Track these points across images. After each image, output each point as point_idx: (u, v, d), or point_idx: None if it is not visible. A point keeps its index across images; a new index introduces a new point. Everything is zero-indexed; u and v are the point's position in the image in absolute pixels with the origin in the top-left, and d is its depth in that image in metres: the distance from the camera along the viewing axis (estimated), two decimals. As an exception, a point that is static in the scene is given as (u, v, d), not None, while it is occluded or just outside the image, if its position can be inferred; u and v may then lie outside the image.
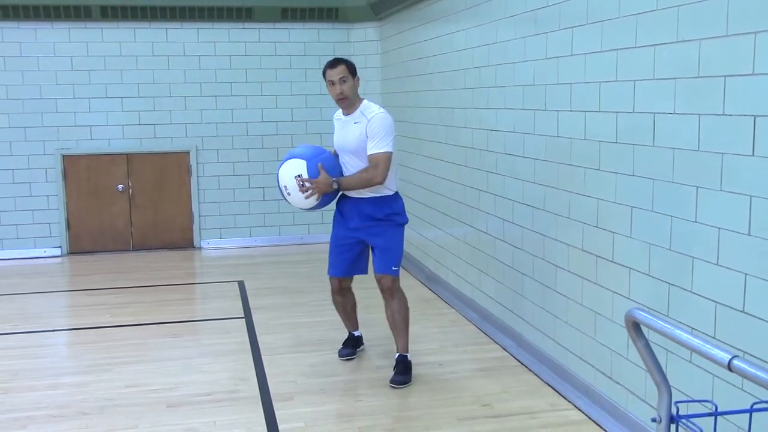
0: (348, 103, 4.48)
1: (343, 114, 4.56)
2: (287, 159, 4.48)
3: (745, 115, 2.82)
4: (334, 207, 4.68)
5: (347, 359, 4.85)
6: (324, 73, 4.54)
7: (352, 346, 4.93)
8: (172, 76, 8.27)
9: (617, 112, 3.69)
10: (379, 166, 4.34)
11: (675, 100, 3.23)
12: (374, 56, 8.42)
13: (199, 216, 8.52)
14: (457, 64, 5.90)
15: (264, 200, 8.61)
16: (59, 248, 8.24)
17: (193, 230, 8.53)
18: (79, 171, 8.21)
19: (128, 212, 8.38)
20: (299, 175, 4.37)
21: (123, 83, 8.16)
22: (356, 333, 4.98)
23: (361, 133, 4.38)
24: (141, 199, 8.39)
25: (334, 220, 4.74)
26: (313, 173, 4.37)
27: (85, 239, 8.31)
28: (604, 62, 3.77)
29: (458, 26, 5.83)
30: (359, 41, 8.47)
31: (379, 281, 4.52)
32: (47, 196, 8.16)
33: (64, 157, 8.14)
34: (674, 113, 3.24)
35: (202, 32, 8.28)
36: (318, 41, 8.54)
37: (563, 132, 4.25)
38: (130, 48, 8.14)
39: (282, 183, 4.47)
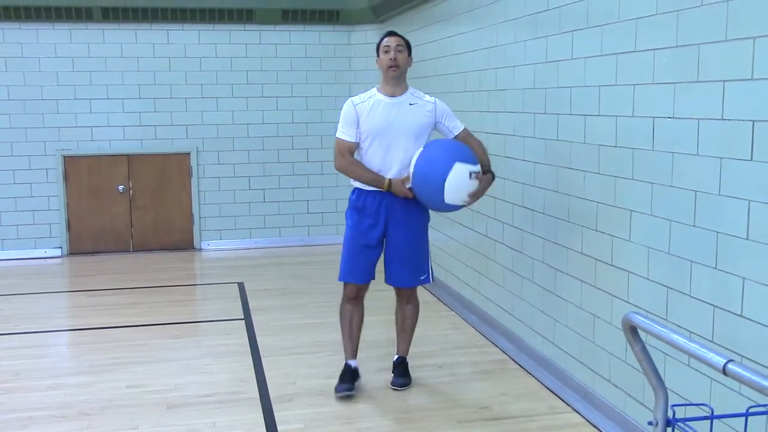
0: (398, 74, 4.18)
1: (387, 96, 4.19)
2: (454, 162, 3.95)
3: (743, 120, 2.84)
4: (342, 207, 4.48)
5: (346, 395, 4.27)
6: (379, 43, 4.28)
7: (350, 380, 4.35)
8: (173, 78, 8.28)
9: (617, 116, 3.70)
10: (473, 136, 4.32)
11: (674, 105, 3.25)
12: (375, 59, 8.42)
13: (200, 217, 8.53)
14: (458, 67, 5.92)
15: (264, 202, 8.63)
16: (59, 249, 8.25)
17: (193, 231, 8.54)
18: (80, 172, 8.22)
19: (129, 213, 8.39)
20: (476, 173, 4.02)
21: (124, 84, 8.17)
22: (353, 364, 4.42)
23: (427, 115, 4.19)
24: (141, 200, 8.40)
25: (353, 223, 4.29)
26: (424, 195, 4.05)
27: (85, 240, 8.33)
28: (604, 66, 3.79)
29: (459, 29, 5.85)
30: (360, 43, 8.49)
31: (400, 290, 4.40)
32: (48, 196, 8.17)
33: (65, 157, 8.15)
34: (673, 117, 3.26)
35: (203, 34, 8.30)
36: (319, 43, 8.55)
37: (563, 135, 4.26)
38: (131, 49, 8.15)
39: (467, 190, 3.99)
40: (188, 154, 8.42)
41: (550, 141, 4.41)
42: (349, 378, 4.35)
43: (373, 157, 4.18)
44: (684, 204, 3.20)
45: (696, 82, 3.10)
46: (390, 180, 4.15)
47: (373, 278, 4.36)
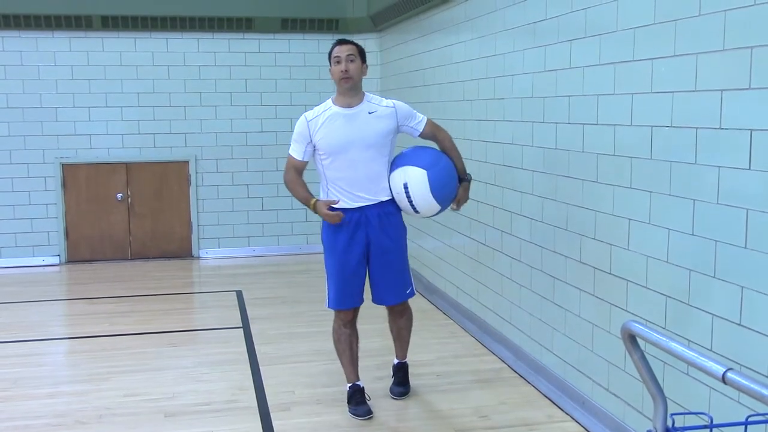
0: (352, 85, 4.01)
1: (343, 107, 4.06)
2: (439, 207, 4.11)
3: (741, 129, 2.84)
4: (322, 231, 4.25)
5: (370, 417, 4.14)
6: (330, 52, 4.10)
7: (365, 401, 4.22)
8: (172, 86, 8.29)
9: (615, 125, 3.71)
10: (441, 126, 4.24)
11: (672, 114, 3.25)
12: (374, 67, 8.43)
13: (198, 225, 8.53)
14: (456, 75, 5.93)
15: (262, 210, 8.62)
16: (58, 257, 8.24)
17: (191, 240, 8.54)
18: (79, 180, 8.22)
19: (127, 221, 8.39)
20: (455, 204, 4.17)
21: (123, 92, 8.18)
22: (361, 383, 4.29)
23: (388, 121, 4.03)
24: (140, 208, 8.40)
25: (330, 246, 4.16)
26: (448, 191, 4.07)
27: (83, 248, 8.32)
28: (602, 75, 3.79)
29: (457, 38, 5.86)
30: (359, 52, 8.49)
31: (391, 307, 4.35)
32: (46, 204, 8.17)
33: (63, 165, 8.15)
34: (671, 126, 3.26)
35: (203, 42, 8.32)
36: (318, 52, 8.55)
37: (561, 144, 4.27)
38: (130, 58, 8.17)
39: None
40: (187, 162, 8.43)
41: (549, 150, 4.42)
42: (363, 398, 4.22)
43: (338, 173, 4.04)
44: (682, 213, 3.20)
45: (694, 91, 3.11)
46: (316, 201, 4.06)
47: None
